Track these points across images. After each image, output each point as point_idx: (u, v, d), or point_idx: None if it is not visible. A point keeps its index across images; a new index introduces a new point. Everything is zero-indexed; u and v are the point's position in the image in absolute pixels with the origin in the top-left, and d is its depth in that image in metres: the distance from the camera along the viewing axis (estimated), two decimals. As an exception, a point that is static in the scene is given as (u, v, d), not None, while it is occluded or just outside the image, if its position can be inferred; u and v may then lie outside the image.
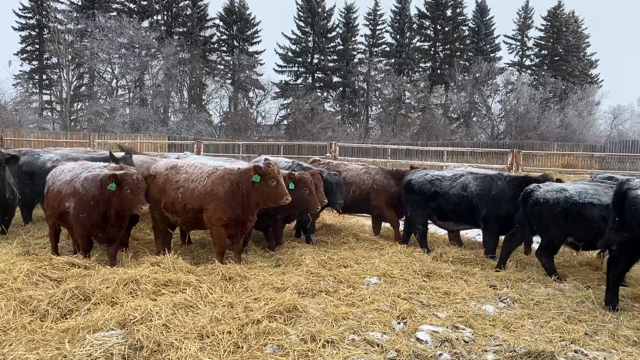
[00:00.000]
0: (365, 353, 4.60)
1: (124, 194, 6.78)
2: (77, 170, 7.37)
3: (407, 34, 61.58)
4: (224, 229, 7.35)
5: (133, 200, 6.78)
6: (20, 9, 52.45)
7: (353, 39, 60.65)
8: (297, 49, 59.78)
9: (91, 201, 6.92)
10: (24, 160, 10.24)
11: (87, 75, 53.85)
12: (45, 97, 55.58)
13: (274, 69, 60.09)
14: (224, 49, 59.75)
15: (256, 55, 58.78)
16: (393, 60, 61.02)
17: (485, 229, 8.48)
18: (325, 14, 59.19)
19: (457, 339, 4.97)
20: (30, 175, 10.17)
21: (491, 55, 61.60)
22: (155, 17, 56.44)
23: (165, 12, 57.22)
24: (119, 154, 10.27)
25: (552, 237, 7.22)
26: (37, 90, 54.68)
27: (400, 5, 60.54)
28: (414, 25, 62.11)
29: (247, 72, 56.04)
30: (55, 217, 7.53)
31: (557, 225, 7.11)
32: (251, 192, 7.22)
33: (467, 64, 58.97)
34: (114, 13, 52.90)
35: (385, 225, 10.49)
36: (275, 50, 59.65)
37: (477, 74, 54.66)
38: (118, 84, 53.09)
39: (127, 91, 53.33)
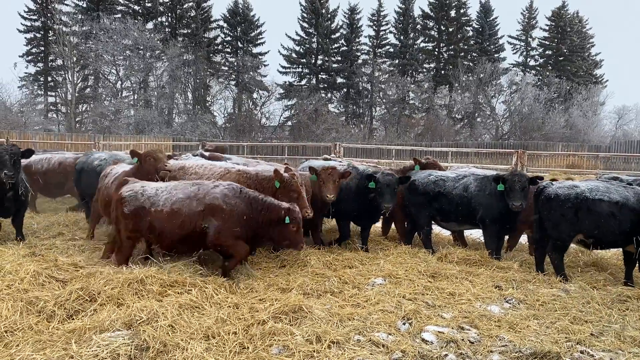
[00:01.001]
0: (371, 354, 4.60)
1: (289, 229, 6.63)
2: (195, 187, 6.79)
3: (411, 35, 61.54)
4: None
5: (297, 238, 6.69)
6: (25, 12, 52.83)
7: (357, 40, 60.72)
8: (301, 50, 59.85)
9: (243, 216, 6.58)
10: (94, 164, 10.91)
11: (92, 77, 54.07)
12: (50, 99, 55.92)
13: (277, 70, 60.35)
14: (228, 50, 59.90)
15: (260, 57, 58.89)
16: (397, 61, 61.04)
17: (484, 229, 8.51)
18: (329, 15, 59.25)
19: (463, 339, 4.96)
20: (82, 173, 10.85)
21: (495, 55, 61.48)
22: (159, 19, 56.67)
23: (169, 14, 57.44)
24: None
25: (563, 234, 7.21)
26: (42, 92, 54.95)
27: (404, 6, 60.51)
28: (418, 26, 62.06)
29: (251, 73, 56.14)
30: (165, 236, 6.63)
31: (568, 222, 7.11)
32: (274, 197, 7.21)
33: (471, 64, 58.93)
34: (119, 15, 53.12)
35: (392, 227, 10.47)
36: (279, 51, 59.98)
37: (481, 75, 54.59)
38: (123, 86, 53.26)
39: (131, 93, 53.52)
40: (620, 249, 7.51)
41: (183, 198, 6.60)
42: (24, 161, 12.36)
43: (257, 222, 6.63)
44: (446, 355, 4.64)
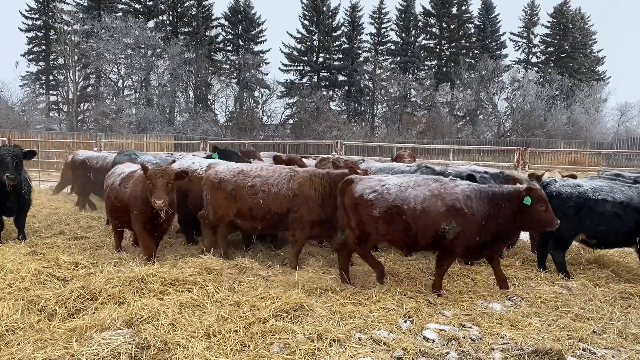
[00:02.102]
0: (372, 352, 4.59)
1: (538, 209, 6.11)
2: (437, 184, 6.24)
3: (413, 32, 61.38)
4: (309, 230, 7.41)
5: (549, 216, 6.14)
6: (26, 10, 52.82)
7: (358, 37, 60.56)
8: (302, 47, 59.74)
9: (482, 222, 6.06)
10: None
11: (94, 76, 54.06)
12: (52, 98, 55.96)
13: (279, 68, 60.21)
14: (230, 48, 59.80)
15: (261, 55, 58.82)
16: (398, 59, 60.86)
17: None
18: (330, 13, 59.12)
19: (464, 337, 4.95)
20: None
21: (497, 52, 61.29)
22: (160, 17, 56.60)
23: (170, 12, 57.36)
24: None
25: (564, 232, 7.18)
26: (44, 91, 55.01)
27: (405, 4, 60.36)
28: (420, 23, 61.88)
29: (252, 71, 56.08)
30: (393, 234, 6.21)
31: (569, 221, 7.08)
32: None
33: (472, 61, 58.74)
34: (120, 13, 53.12)
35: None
36: (280, 49, 59.77)
37: (483, 72, 54.44)
38: (124, 84, 53.28)
39: (133, 91, 53.56)
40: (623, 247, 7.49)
41: (430, 196, 6.12)
42: (79, 157, 12.95)
43: (499, 220, 6.09)
44: (447, 352, 4.63)
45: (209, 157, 10.24)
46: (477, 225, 6.04)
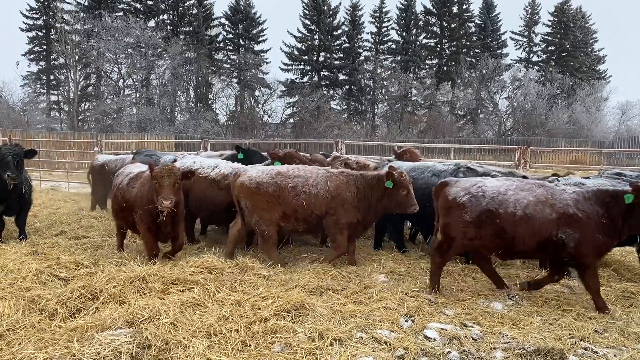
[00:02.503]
0: (373, 351, 4.58)
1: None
2: (543, 190, 5.92)
3: (413, 31, 61.37)
4: (347, 231, 7.35)
5: None
6: (27, 10, 52.88)
7: (359, 36, 60.61)
8: (303, 47, 59.76)
9: (601, 221, 5.72)
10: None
11: (94, 75, 54.15)
12: (53, 98, 56.07)
13: (279, 67, 60.29)
14: (230, 47, 59.84)
15: (262, 54, 58.89)
16: (399, 58, 60.85)
17: None
18: (330, 12, 59.17)
19: (466, 336, 4.94)
20: None
21: (498, 51, 61.29)
22: (161, 17, 56.68)
23: (171, 12, 57.45)
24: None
25: None
26: (45, 91, 55.07)
27: (406, 3, 60.35)
28: (420, 22, 61.89)
29: (253, 70, 56.11)
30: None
31: None
32: (382, 197, 7.25)
33: (473, 60, 58.72)
34: (120, 13, 53.21)
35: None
36: (281, 48, 59.85)
37: (484, 71, 54.42)
38: (125, 84, 53.34)
39: (133, 91, 53.59)
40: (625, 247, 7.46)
41: (534, 201, 5.83)
42: (99, 160, 13.03)
43: (613, 220, 5.74)
44: (449, 352, 4.62)
45: (232, 156, 10.18)
46: (597, 227, 5.70)
